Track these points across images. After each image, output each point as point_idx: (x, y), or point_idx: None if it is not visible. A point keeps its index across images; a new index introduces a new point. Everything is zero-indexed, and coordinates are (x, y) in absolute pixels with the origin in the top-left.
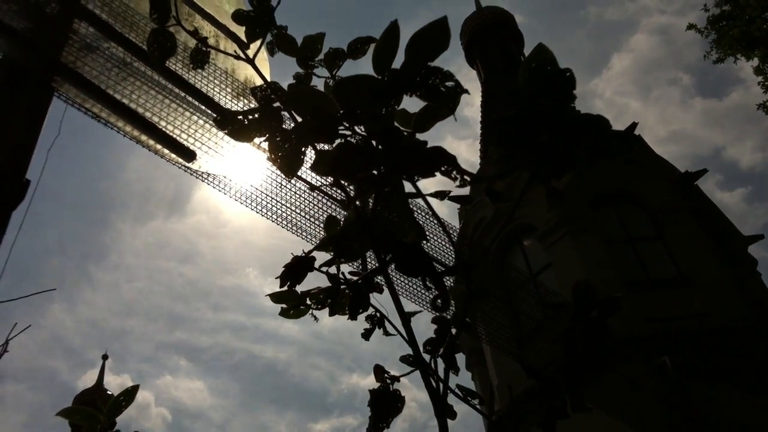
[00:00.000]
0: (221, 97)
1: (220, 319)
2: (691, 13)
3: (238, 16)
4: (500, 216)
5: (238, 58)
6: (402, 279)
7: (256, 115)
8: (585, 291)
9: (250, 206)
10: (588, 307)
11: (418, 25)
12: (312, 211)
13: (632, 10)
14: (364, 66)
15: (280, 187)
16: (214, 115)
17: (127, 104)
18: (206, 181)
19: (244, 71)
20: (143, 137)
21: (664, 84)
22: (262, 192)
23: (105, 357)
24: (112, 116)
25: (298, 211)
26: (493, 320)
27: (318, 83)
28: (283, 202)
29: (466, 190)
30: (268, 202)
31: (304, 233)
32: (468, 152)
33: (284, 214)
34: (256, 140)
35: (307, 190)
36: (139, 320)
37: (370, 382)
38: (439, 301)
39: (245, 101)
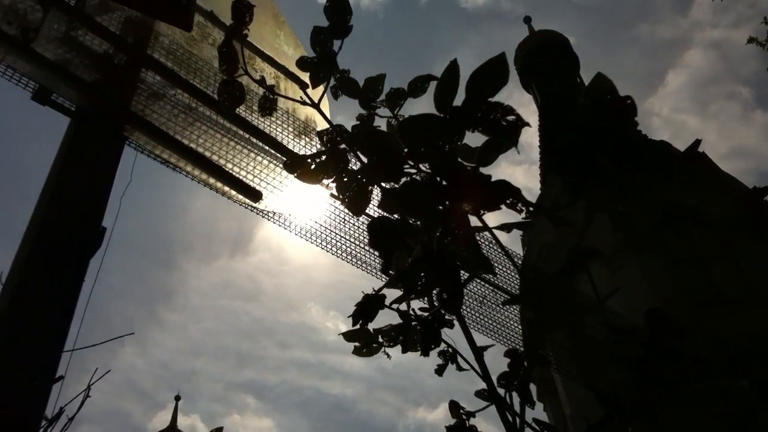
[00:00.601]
0: (284, 136)
1: (286, 357)
2: (746, 25)
3: (302, 64)
4: (563, 240)
5: (304, 103)
6: (473, 312)
7: (323, 158)
8: (658, 318)
9: (314, 242)
10: (661, 335)
11: (469, 52)
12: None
13: (684, 25)
14: (424, 103)
15: (344, 222)
16: (278, 155)
17: (194, 149)
18: (272, 219)
19: (304, 110)
20: (211, 180)
21: (722, 98)
22: (326, 228)
23: (178, 398)
24: (181, 161)
25: (363, 245)
26: (563, 348)
27: (379, 122)
28: (348, 237)
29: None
30: (332, 238)
31: (369, 267)
32: (524, 178)
33: (348, 249)
34: (324, 181)
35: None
36: (208, 360)
37: (437, 416)
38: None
39: (307, 140)
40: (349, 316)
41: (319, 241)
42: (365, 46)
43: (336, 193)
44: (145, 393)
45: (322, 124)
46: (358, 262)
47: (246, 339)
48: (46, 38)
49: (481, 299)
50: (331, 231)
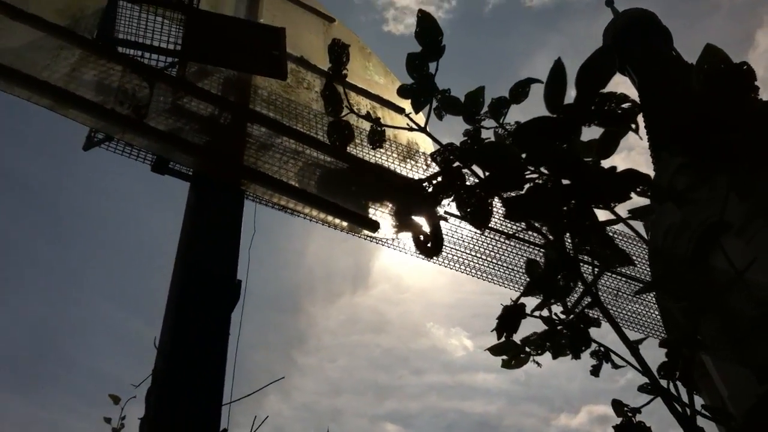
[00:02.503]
0: (390, 163)
1: (424, 382)
2: None
3: (403, 92)
4: (688, 220)
5: (411, 129)
6: (609, 307)
7: (439, 178)
8: None
9: (436, 262)
10: None
11: (549, 50)
12: (500, 255)
13: None
14: (520, 109)
15: (463, 238)
16: (386, 181)
17: (308, 191)
18: (392, 246)
19: (404, 135)
20: (329, 218)
21: None
22: (448, 246)
23: None
24: (298, 204)
25: (487, 258)
26: (712, 328)
27: (486, 134)
28: (472, 252)
29: (643, 201)
30: (453, 254)
31: (495, 279)
32: (625, 162)
33: (471, 263)
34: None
35: (501, 239)
36: (349, 397)
37: (579, 420)
38: None
39: (411, 163)
40: (492, 330)
41: (440, 260)
42: (442, 64)
43: (449, 212)
44: None
45: (423, 146)
46: (485, 275)
47: (381, 370)
48: (156, 111)
49: (615, 292)
50: (453, 248)
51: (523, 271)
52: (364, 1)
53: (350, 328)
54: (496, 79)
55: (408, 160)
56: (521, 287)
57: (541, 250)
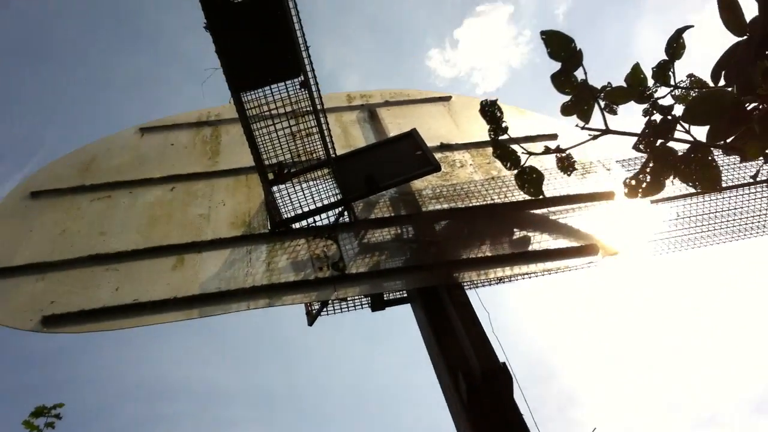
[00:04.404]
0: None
1: None
2: None
3: (566, 109)
4: None
5: (595, 137)
6: None
7: (649, 166)
8: None
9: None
10: None
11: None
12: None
13: None
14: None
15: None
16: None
17: (517, 251)
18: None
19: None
20: (548, 264)
21: None
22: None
23: None
24: (513, 268)
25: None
26: None
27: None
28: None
29: None
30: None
31: None
32: None
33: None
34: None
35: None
36: None
37: None
38: None
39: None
40: None
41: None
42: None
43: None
44: None
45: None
46: None
47: None
48: (351, 259)
49: None
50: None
51: None
52: (452, 80)
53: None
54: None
55: (587, 174)
56: None
57: None
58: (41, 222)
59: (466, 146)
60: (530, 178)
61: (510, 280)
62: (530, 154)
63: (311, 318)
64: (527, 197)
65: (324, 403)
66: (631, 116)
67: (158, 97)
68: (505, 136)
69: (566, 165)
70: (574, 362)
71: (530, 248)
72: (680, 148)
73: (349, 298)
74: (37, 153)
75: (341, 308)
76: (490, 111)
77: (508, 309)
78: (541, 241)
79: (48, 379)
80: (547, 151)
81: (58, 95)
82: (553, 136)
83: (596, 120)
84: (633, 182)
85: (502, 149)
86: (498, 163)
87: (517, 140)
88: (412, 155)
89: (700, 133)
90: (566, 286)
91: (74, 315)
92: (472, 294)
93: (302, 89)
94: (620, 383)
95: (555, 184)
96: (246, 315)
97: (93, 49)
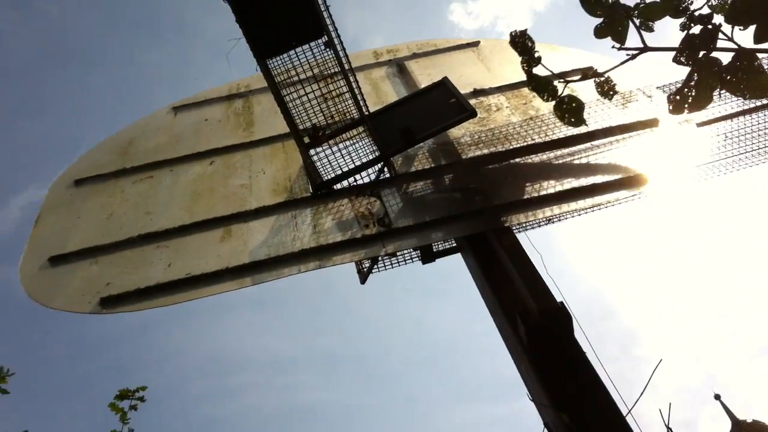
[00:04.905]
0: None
1: None
2: None
3: (600, 31)
4: None
5: (634, 57)
6: None
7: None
8: None
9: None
10: None
11: None
12: None
13: None
14: None
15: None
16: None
17: (564, 188)
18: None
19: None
20: (595, 200)
21: None
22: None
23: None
24: (562, 206)
25: None
26: None
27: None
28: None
29: None
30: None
31: None
32: None
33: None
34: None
35: None
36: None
37: None
38: None
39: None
40: None
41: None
42: None
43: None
44: None
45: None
46: None
47: None
48: (395, 213)
49: None
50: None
51: None
52: (476, 31)
53: None
54: None
55: (628, 103)
56: None
57: None
58: (87, 208)
59: (500, 89)
60: (570, 107)
61: (558, 219)
62: (567, 81)
63: (363, 276)
64: (568, 134)
65: (390, 361)
66: (670, 33)
67: (187, 81)
68: (539, 68)
69: (606, 89)
70: (633, 300)
71: (576, 185)
72: (724, 58)
73: (398, 253)
74: (80, 149)
75: (392, 264)
76: (521, 42)
77: (561, 251)
78: (586, 176)
79: (129, 359)
80: (584, 76)
81: (92, 92)
82: (588, 69)
83: (632, 41)
84: (678, 97)
85: (538, 81)
86: (535, 103)
87: (553, 74)
88: (446, 104)
89: (745, 39)
90: (618, 221)
91: (130, 294)
92: (522, 237)
93: (327, 49)
94: (681, 317)
95: (595, 116)
96: (302, 285)
97: (118, 44)
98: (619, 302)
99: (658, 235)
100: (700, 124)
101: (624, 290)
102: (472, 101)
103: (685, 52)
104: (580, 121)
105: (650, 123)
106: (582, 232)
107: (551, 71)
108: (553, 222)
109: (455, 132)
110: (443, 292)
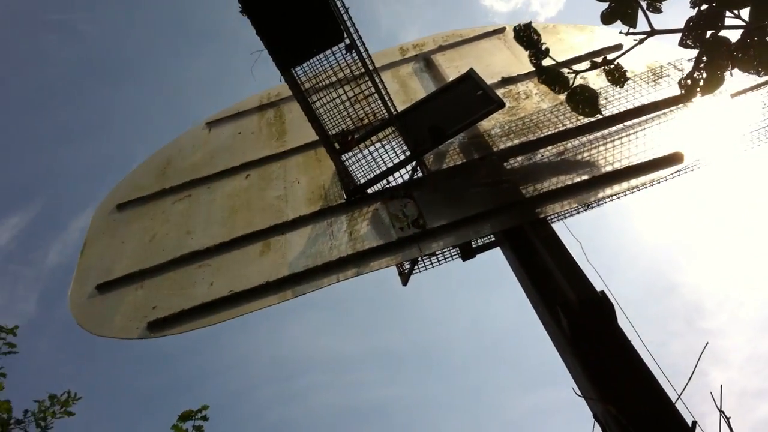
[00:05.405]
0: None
1: None
2: None
3: (607, 17)
4: None
5: (641, 41)
6: None
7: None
8: None
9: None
10: None
11: None
12: None
13: None
14: None
15: None
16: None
17: (597, 175)
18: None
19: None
20: (632, 182)
21: None
22: None
23: None
24: (598, 192)
25: None
26: None
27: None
28: None
29: None
30: None
31: None
32: None
33: None
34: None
35: None
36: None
37: None
38: None
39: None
40: None
41: None
42: None
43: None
44: None
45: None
46: None
47: None
48: (430, 213)
49: None
50: None
51: None
52: (509, 14)
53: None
54: None
55: (659, 79)
56: None
57: None
58: (131, 232)
59: (528, 76)
60: (583, 98)
61: (598, 205)
62: (576, 72)
63: (404, 278)
64: (599, 117)
65: (452, 353)
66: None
67: (226, 90)
68: (548, 60)
69: (617, 76)
70: (695, 271)
71: (612, 168)
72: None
73: (437, 252)
74: (130, 167)
75: (432, 263)
76: (525, 36)
77: (612, 232)
78: (622, 158)
79: (197, 370)
80: (593, 66)
81: (136, 110)
82: (618, 47)
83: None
84: (688, 82)
85: (548, 73)
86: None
87: (580, 58)
88: (473, 96)
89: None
90: (665, 195)
91: (176, 316)
92: (561, 226)
93: (350, 53)
94: (747, 283)
95: (627, 96)
96: (356, 283)
97: (156, 60)
98: (682, 274)
99: (719, 201)
100: (735, 95)
101: (686, 261)
102: (501, 90)
103: (692, 33)
104: (594, 111)
105: (683, 97)
106: (638, 207)
107: (555, 60)
108: (592, 207)
109: (485, 124)
110: (498, 281)
